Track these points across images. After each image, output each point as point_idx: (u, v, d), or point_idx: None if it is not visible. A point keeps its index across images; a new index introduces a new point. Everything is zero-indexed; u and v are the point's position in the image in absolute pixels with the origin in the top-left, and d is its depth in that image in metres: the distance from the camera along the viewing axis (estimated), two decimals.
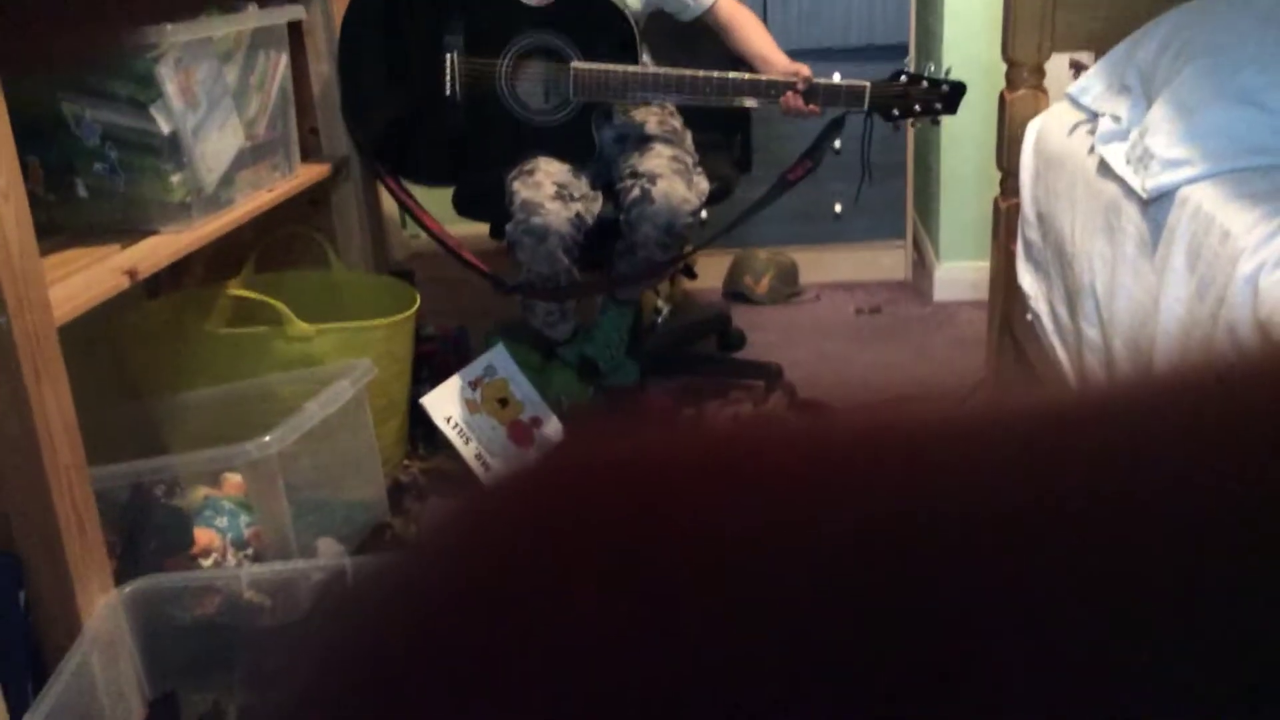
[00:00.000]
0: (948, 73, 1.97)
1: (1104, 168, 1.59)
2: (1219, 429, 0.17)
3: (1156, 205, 1.44)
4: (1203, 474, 0.16)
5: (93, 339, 1.60)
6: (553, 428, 2.13)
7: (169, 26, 1.52)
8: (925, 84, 1.95)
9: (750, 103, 2.00)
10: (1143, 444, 0.17)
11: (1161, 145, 1.46)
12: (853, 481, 0.18)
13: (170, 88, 1.52)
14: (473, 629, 0.17)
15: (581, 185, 2.07)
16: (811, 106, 1.95)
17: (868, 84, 1.95)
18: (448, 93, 2.05)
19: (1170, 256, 1.38)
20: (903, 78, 1.96)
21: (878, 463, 0.18)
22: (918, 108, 1.95)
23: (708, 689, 0.16)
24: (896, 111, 1.96)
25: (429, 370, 2.18)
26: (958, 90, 1.95)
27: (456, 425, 2.04)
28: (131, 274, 1.45)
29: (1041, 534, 0.16)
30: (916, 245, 3.06)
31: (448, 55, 2.04)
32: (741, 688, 0.16)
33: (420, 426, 2.07)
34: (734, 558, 0.17)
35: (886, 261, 3.02)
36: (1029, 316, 1.88)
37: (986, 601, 0.16)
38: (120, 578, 1.39)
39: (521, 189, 1.99)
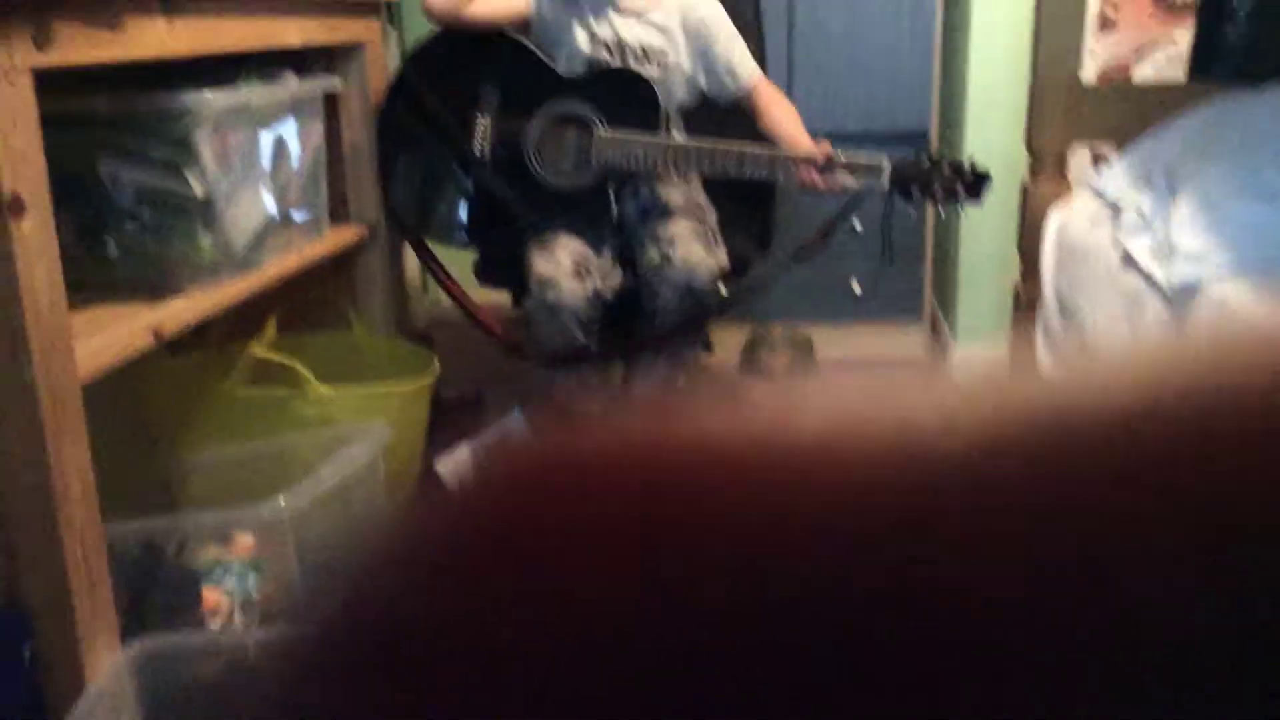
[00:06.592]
0: (972, 162, 1.96)
1: (1127, 260, 1.60)
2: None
3: (1180, 299, 1.44)
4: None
5: (112, 394, 1.61)
6: None
7: (208, 93, 1.55)
8: (947, 168, 1.94)
9: (767, 175, 2.01)
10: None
11: (1185, 238, 1.46)
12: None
13: (206, 152, 1.54)
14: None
15: (602, 260, 2.08)
16: (827, 180, 1.95)
17: (886, 160, 1.95)
18: (477, 153, 2.09)
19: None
20: (924, 159, 1.95)
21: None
22: (939, 190, 1.94)
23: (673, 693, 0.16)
24: (917, 192, 1.95)
25: (445, 435, 2.18)
26: (982, 179, 1.93)
27: None
28: (157, 333, 1.46)
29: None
30: (934, 326, 3.06)
31: (480, 117, 2.08)
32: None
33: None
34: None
35: (903, 341, 3.02)
36: None
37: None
38: (126, 635, 1.38)
39: (538, 262, 2.00)
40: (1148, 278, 1.52)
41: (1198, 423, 0.16)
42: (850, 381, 0.21)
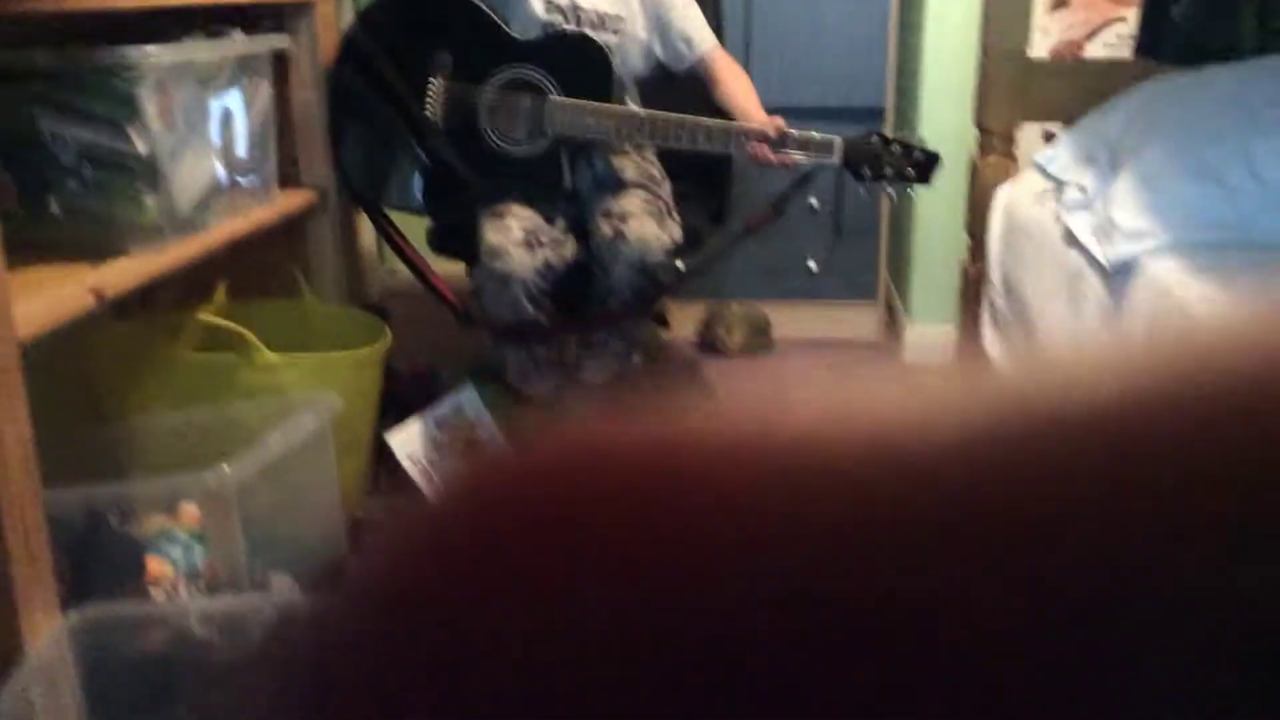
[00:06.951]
0: (921, 142, 1.94)
1: (1069, 236, 1.62)
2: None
3: (1118, 276, 1.46)
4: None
5: (58, 358, 1.58)
6: None
7: (151, 49, 1.52)
8: (899, 148, 1.93)
9: (719, 148, 2.00)
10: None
11: (1124, 216, 1.49)
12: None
13: (149, 109, 1.52)
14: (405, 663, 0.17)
15: (553, 230, 2.07)
16: (779, 155, 1.95)
17: (838, 138, 1.95)
18: (429, 117, 2.07)
19: (1131, 329, 1.40)
20: (875, 138, 1.95)
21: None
22: (889, 170, 1.93)
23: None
24: (868, 171, 1.94)
25: (397, 407, 2.17)
26: (931, 160, 1.92)
27: (420, 464, 2.02)
28: (99, 294, 1.44)
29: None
30: (889, 305, 3.09)
31: (432, 80, 2.06)
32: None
33: (384, 463, 2.05)
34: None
35: (858, 320, 3.04)
36: None
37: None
38: (67, 605, 1.36)
39: (490, 232, 1.99)
40: (1088, 255, 1.55)
41: (1183, 419, 0.16)
42: (827, 386, 0.21)
